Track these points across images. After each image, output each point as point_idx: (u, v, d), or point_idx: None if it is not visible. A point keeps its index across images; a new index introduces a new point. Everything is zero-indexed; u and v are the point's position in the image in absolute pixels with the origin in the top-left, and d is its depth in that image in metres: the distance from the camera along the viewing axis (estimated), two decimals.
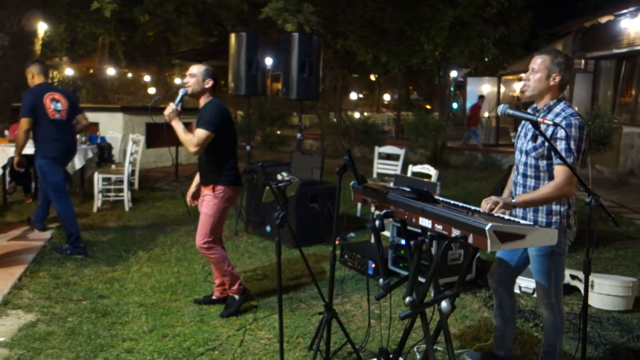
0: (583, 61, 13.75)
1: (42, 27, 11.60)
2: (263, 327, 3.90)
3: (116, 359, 3.35)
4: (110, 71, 23.94)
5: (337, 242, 5.71)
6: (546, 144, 2.78)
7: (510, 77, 19.54)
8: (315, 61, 6.07)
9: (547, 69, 2.88)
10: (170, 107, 3.85)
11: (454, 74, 20.19)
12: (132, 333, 3.71)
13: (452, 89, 24.21)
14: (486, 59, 14.24)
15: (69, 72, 23.48)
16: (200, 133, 3.84)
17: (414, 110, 15.68)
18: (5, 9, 10.69)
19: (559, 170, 2.78)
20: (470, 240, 2.46)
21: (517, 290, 4.60)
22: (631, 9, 10.93)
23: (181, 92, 3.94)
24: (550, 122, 2.52)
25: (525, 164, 3.00)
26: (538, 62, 2.91)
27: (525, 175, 3.02)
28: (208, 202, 4.01)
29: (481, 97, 16.61)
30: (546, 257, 2.95)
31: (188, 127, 3.99)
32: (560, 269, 3.03)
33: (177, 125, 3.86)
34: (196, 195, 4.31)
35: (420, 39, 12.58)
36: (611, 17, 11.70)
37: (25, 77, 5.47)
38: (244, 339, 3.70)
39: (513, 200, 2.80)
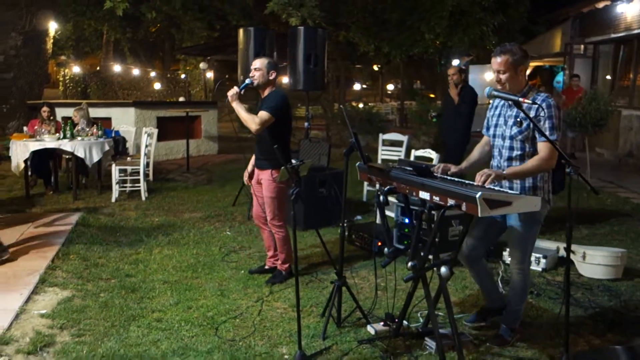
0: (582, 46, 13.95)
1: (52, 26, 11.94)
2: (279, 299, 4.25)
3: (148, 327, 3.70)
4: (116, 68, 24.29)
5: (345, 224, 6.08)
6: (531, 125, 3.10)
7: None
8: (320, 53, 6.38)
9: (512, 65, 3.15)
10: (234, 90, 4.26)
11: (455, 62, 20.41)
12: (159, 306, 4.07)
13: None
14: (487, 47, 14.49)
15: (75, 69, 23.85)
16: (264, 114, 4.22)
17: (417, 99, 15.94)
18: (18, 9, 11.05)
19: (542, 146, 3.11)
20: (464, 207, 2.79)
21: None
22: None
23: (247, 81, 4.32)
24: (530, 102, 2.85)
25: (511, 148, 3.27)
26: (500, 62, 3.16)
27: (510, 159, 3.29)
28: (267, 185, 4.39)
29: (575, 77, 12.44)
30: (528, 226, 3.28)
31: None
32: (535, 238, 3.37)
33: (238, 107, 4.28)
34: (251, 176, 4.68)
35: (421, 28, 12.84)
36: (608, 2, 11.93)
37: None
38: (262, 309, 4.05)
39: (504, 172, 3.13)
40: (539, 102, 3.08)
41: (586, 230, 6.22)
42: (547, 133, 3.01)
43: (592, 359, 2.79)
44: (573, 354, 2.98)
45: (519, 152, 3.25)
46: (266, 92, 4.37)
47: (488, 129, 3.49)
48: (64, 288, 4.33)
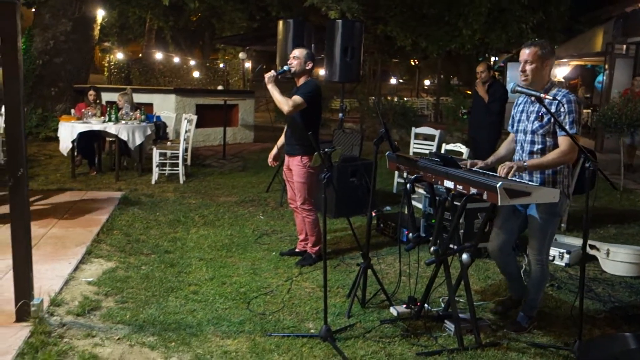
0: (624, 46, 13.73)
1: (100, 14, 12.38)
2: (307, 280, 4.47)
3: (185, 299, 3.97)
4: (158, 55, 24.86)
5: (373, 214, 6.27)
6: (552, 120, 3.23)
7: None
8: (357, 46, 6.56)
9: (539, 58, 3.31)
10: (271, 72, 4.50)
11: (493, 59, 20.25)
12: (195, 280, 4.34)
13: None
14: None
15: (119, 56, 24.50)
16: (297, 99, 4.46)
17: (452, 94, 15.94)
18: None
19: (563, 140, 3.25)
20: (485, 196, 2.96)
21: None
22: None
23: (285, 67, 4.56)
24: (551, 97, 3.00)
25: (532, 142, 3.42)
26: (528, 53, 3.32)
27: (531, 153, 3.43)
28: (298, 171, 4.63)
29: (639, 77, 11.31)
30: (549, 219, 3.41)
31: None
32: (554, 230, 3.51)
33: (274, 89, 4.49)
34: (277, 157, 4.95)
35: (459, 24, 12.86)
36: None
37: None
38: (291, 287, 4.28)
39: (525, 164, 3.28)
40: (559, 98, 3.21)
41: (614, 229, 6.26)
42: (567, 127, 3.15)
43: (603, 344, 2.93)
44: (585, 341, 3.12)
45: (540, 146, 3.39)
46: (301, 81, 4.59)
47: (512, 125, 3.63)
48: (108, 260, 4.65)
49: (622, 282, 4.64)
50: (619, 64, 13.76)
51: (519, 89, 3.12)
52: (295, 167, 4.64)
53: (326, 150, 3.44)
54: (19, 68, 3.09)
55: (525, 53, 3.36)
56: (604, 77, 14.13)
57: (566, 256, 5.00)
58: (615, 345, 2.79)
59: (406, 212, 6.35)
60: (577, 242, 5.24)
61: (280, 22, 6.98)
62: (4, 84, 3.08)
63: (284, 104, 4.43)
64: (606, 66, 13.95)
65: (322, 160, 3.43)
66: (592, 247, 5.11)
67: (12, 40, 3.05)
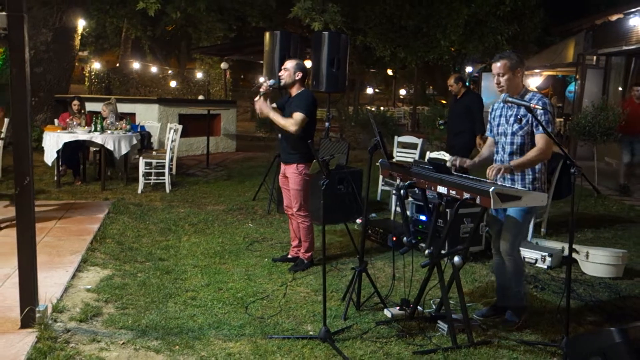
0: (595, 57, 14.20)
1: (81, 24, 12.36)
2: (301, 284, 4.59)
3: (184, 304, 4.05)
4: (135, 65, 24.79)
5: (359, 221, 6.42)
6: (529, 121, 3.54)
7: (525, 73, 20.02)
8: (342, 57, 6.73)
9: (510, 69, 3.59)
10: (260, 100, 4.67)
11: (469, 69, 20.68)
12: (192, 286, 4.42)
13: (467, 84, 24.67)
14: None
15: (96, 65, 24.34)
16: (299, 116, 4.58)
17: (430, 104, 16.27)
18: (49, 6, 11.47)
19: (540, 138, 3.54)
20: (478, 200, 3.13)
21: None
22: (639, 7, 11.43)
23: (273, 81, 4.72)
24: (540, 107, 3.21)
25: (512, 143, 3.69)
26: (499, 66, 3.60)
27: (512, 153, 3.69)
28: (294, 178, 4.75)
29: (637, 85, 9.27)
30: (526, 216, 3.66)
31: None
32: (528, 226, 3.78)
33: (274, 115, 4.67)
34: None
35: (437, 35, 13.18)
36: (620, 16, 12.18)
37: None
38: (287, 292, 4.39)
39: (510, 164, 3.49)
40: (535, 102, 3.50)
41: (591, 234, 6.51)
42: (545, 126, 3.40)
43: (589, 339, 3.09)
44: (572, 336, 3.30)
45: (518, 147, 3.66)
46: (294, 91, 4.73)
47: (491, 130, 3.91)
48: (104, 267, 4.70)
49: (602, 282, 4.86)
50: (590, 74, 14.23)
51: (510, 99, 3.36)
52: (292, 175, 4.76)
53: (324, 158, 3.57)
54: (26, 78, 3.16)
55: (497, 66, 3.63)
56: (576, 87, 14.58)
57: (548, 259, 5.20)
58: (601, 339, 2.96)
59: (392, 217, 6.54)
60: (557, 245, 5.45)
61: (267, 34, 7.12)
62: (11, 94, 3.15)
63: (290, 125, 4.57)
64: (577, 76, 14.40)
65: (321, 168, 3.57)
66: (572, 250, 5.32)
67: (20, 50, 3.12)
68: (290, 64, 4.74)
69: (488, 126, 3.97)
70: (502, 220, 3.78)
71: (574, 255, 5.25)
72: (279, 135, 5.01)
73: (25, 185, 3.24)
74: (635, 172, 11.07)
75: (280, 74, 4.75)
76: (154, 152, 8.55)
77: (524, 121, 3.60)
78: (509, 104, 3.65)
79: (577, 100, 14.03)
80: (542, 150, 3.54)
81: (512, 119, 3.69)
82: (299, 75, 4.73)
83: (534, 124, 3.52)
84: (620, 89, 13.62)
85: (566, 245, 5.31)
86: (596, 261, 5.03)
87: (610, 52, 13.42)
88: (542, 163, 3.66)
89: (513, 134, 3.67)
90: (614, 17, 12.42)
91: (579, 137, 9.41)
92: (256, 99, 4.74)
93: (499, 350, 3.50)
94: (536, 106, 3.22)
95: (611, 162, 12.50)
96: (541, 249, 5.34)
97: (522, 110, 3.53)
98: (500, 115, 3.81)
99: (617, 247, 6.02)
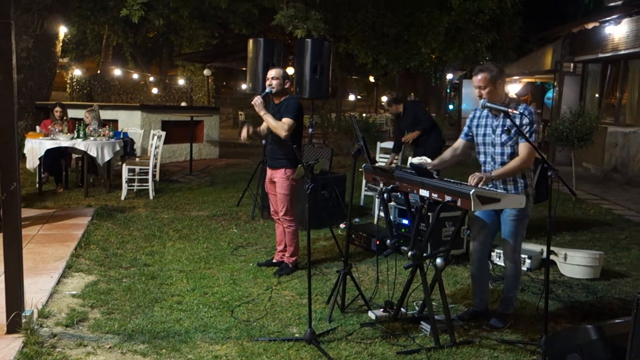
0: (572, 64, 14.50)
1: (62, 30, 12.30)
2: (286, 288, 4.64)
3: (169, 309, 4.08)
4: (117, 72, 24.67)
5: (342, 226, 6.49)
6: (517, 131, 3.55)
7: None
8: (325, 64, 6.81)
9: (490, 81, 3.63)
10: (258, 100, 4.68)
11: (449, 76, 20.95)
12: (178, 291, 4.45)
13: (448, 90, 25.00)
14: (481, 63, 15.06)
15: (77, 72, 24.18)
16: (289, 121, 4.67)
17: None
18: (30, 13, 11.41)
19: (523, 147, 3.60)
20: (459, 203, 3.22)
21: (498, 261, 5.34)
22: (614, 16, 11.72)
23: (267, 90, 4.75)
24: (518, 112, 3.31)
25: (502, 154, 3.72)
26: (480, 79, 3.65)
27: (503, 164, 3.71)
28: (281, 184, 4.81)
29: None
30: (519, 221, 3.72)
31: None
32: (524, 231, 3.85)
33: (267, 116, 4.71)
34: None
35: (418, 43, 13.37)
36: (597, 24, 12.48)
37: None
38: (272, 296, 4.44)
39: (492, 174, 3.57)
40: (521, 111, 3.58)
41: (569, 236, 6.66)
42: (528, 136, 3.48)
43: (566, 337, 3.19)
44: (550, 335, 3.39)
45: (509, 156, 3.70)
46: (281, 99, 4.80)
47: (468, 135, 3.94)
48: (89, 273, 4.70)
49: (579, 283, 4.98)
50: (567, 81, 14.53)
51: (489, 104, 3.44)
52: (279, 180, 4.82)
53: (309, 163, 3.64)
54: (13, 85, 3.18)
55: (477, 79, 3.68)
56: (554, 94, 14.87)
57: (527, 261, 5.32)
58: (578, 337, 3.06)
59: (375, 222, 6.62)
60: (537, 248, 5.57)
61: (251, 41, 7.18)
62: None
63: (281, 129, 4.64)
64: (555, 83, 14.70)
65: (306, 172, 3.63)
66: (551, 252, 5.45)
67: (7, 58, 3.15)
68: (278, 73, 4.81)
69: (465, 130, 3.99)
70: (494, 225, 3.88)
71: (553, 257, 5.38)
72: (263, 141, 5.08)
73: (12, 190, 3.25)
74: (614, 177, 11.34)
75: (270, 82, 4.81)
76: (137, 159, 8.54)
77: (512, 132, 3.63)
78: (494, 113, 3.70)
79: (556, 106, 14.32)
80: (524, 160, 3.59)
81: (499, 129, 3.71)
82: (287, 83, 4.85)
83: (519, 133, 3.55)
84: (597, 95, 13.93)
85: (545, 248, 5.44)
86: (574, 263, 5.16)
87: (587, 59, 13.73)
88: (529, 169, 3.72)
89: (502, 144, 3.70)
90: (590, 25, 12.71)
91: (557, 143, 9.60)
92: (256, 99, 4.75)
93: (480, 349, 3.59)
94: (514, 111, 3.30)
95: (588, 167, 12.77)
96: (521, 252, 5.45)
97: (509, 121, 3.54)
98: (486, 125, 3.80)
99: (595, 249, 6.16)
